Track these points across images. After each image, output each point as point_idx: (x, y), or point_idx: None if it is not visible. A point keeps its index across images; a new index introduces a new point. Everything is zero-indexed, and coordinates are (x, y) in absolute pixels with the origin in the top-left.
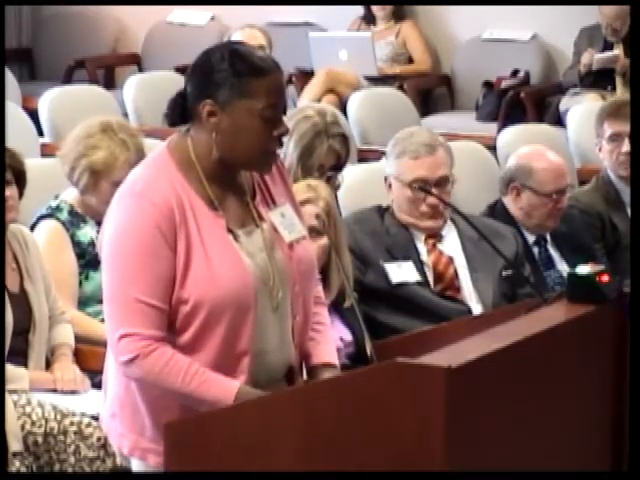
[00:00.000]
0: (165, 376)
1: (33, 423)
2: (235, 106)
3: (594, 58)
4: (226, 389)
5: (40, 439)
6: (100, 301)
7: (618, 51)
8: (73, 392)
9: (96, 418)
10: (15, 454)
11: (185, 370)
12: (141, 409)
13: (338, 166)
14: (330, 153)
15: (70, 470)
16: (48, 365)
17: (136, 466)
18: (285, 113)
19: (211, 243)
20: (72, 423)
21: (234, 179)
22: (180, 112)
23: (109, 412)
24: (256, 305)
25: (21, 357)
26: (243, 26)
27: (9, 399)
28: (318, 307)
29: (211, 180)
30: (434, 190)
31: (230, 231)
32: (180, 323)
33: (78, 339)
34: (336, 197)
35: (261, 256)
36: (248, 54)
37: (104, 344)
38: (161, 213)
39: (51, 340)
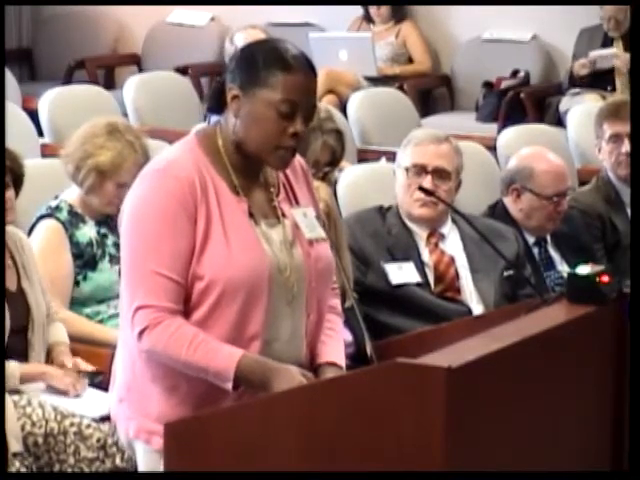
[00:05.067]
0: (172, 345)
1: (33, 424)
2: (255, 94)
3: (590, 55)
4: (228, 359)
5: (40, 440)
6: (99, 301)
7: (617, 49)
8: (76, 396)
9: (96, 420)
10: (15, 454)
11: (190, 339)
12: (148, 390)
13: (334, 162)
14: (325, 149)
15: (69, 471)
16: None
17: (140, 451)
18: (312, 118)
19: (231, 223)
20: (72, 424)
21: (259, 174)
22: (216, 99)
23: (117, 397)
24: (270, 291)
25: (22, 357)
26: (246, 26)
27: (9, 400)
28: (333, 316)
29: (237, 170)
30: (429, 178)
31: (251, 216)
32: (194, 300)
33: (69, 339)
34: (336, 197)
35: (280, 248)
36: (283, 50)
37: (96, 343)
38: (182, 187)
39: (47, 339)
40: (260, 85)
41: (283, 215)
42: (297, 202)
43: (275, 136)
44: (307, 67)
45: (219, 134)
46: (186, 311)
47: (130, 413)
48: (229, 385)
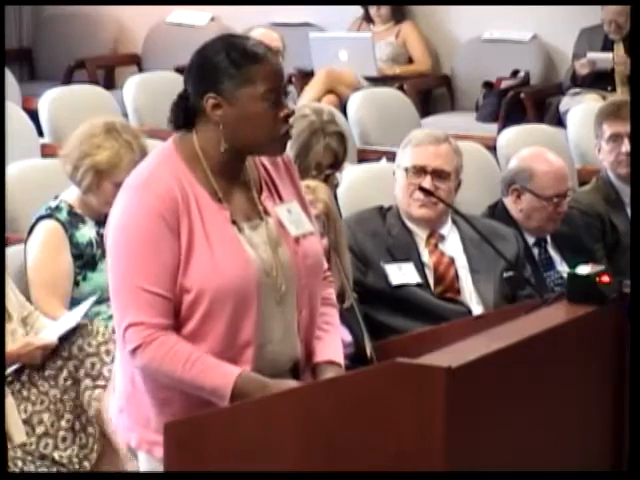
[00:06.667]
0: (167, 363)
1: (33, 403)
2: (238, 95)
3: (589, 56)
4: (225, 376)
5: (46, 416)
6: (99, 302)
7: (617, 52)
8: None
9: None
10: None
11: (187, 357)
12: (145, 401)
13: (336, 164)
14: (327, 151)
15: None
16: None
17: (143, 460)
18: (287, 95)
19: (214, 233)
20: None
21: (240, 173)
22: (183, 115)
23: (117, 407)
24: (259, 296)
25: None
26: (261, 25)
27: (7, 393)
28: (328, 308)
29: (217, 174)
30: (429, 179)
31: (234, 223)
32: (184, 312)
33: None
34: (336, 197)
35: (265, 249)
36: (241, 43)
37: None
38: (164, 202)
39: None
40: (239, 85)
41: (266, 213)
42: (280, 198)
43: (271, 126)
44: (268, 51)
45: (196, 139)
46: (177, 325)
47: (130, 424)
48: (225, 403)
